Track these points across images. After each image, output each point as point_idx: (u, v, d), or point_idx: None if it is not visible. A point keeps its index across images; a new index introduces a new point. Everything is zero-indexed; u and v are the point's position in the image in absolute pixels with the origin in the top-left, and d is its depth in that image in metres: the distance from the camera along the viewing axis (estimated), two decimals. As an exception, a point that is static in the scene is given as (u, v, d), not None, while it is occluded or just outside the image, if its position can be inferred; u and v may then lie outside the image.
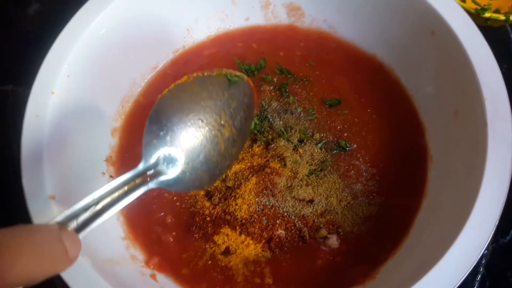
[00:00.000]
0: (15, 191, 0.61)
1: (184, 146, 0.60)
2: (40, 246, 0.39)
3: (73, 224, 0.46)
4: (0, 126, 0.86)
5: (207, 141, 0.62)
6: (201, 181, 0.61)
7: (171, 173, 0.58)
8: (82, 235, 0.46)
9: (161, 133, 0.59)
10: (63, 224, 0.46)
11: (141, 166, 0.56)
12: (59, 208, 0.60)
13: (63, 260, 0.42)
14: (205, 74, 0.63)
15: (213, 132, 0.63)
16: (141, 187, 0.54)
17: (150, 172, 0.56)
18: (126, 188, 0.52)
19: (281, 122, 0.76)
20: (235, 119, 0.64)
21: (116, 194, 0.51)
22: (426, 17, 0.71)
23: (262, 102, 0.78)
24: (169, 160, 0.59)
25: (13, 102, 0.88)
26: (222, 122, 0.63)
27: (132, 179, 0.53)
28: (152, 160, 0.57)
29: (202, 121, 0.62)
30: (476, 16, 0.83)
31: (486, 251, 0.74)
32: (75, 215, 0.47)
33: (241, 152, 0.70)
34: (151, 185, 0.55)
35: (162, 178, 0.57)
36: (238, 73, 0.65)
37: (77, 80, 0.70)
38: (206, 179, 0.62)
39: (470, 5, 0.85)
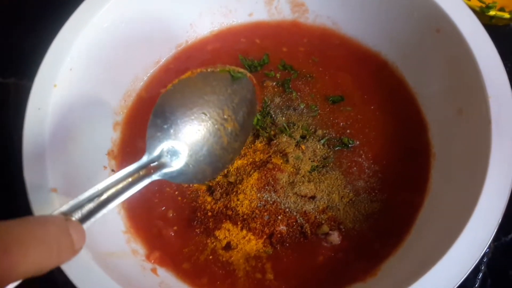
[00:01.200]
0: (17, 184, 0.61)
1: (187, 139, 0.61)
2: (48, 238, 0.40)
3: (78, 215, 0.47)
4: (2, 119, 0.85)
5: (210, 135, 0.63)
6: (204, 173, 0.62)
7: (174, 165, 0.60)
8: (86, 225, 0.47)
9: (165, 126, 0.60)
10: (68, 214, 0.46)
11: (145, 158, 0.57)
12: (60, 200, 0.60)
13: (69, 251, 0.43)
14: (209, 70, 0.64)
15: (216, 126, 0.64)
16: (145, 178, 0.55)
17: (154, 164, 0.57)
18: (130, 179, 0.53)
19: (283, 118, 0.76)
20: (238, 114, 0.66)
21: (120, 186, 0.52)
22: (431, 14, 0.71)
23: (265, 98, 0.78)
24: (173, 153, 0.60)
25: (15, 95, 0.88)
26: (225, 117, 0.65)
27: (136, 171, 0.55)
28: (156, 152, 0.59)
29: (205, 115, 0.63)
30: (481, 14, 0.83)
31: (488, 250, 0.73)
32: (80, 206, 0.48)
33: (244, 147, 0.71)
34: (155, 176, 0.56)
35: (166, 170, 0.58)
36: (241, 70, 0.66)
37: (80, 73, 0.69)
38: (209, 172, 0.63)
39: (475, 3, 0.85)
